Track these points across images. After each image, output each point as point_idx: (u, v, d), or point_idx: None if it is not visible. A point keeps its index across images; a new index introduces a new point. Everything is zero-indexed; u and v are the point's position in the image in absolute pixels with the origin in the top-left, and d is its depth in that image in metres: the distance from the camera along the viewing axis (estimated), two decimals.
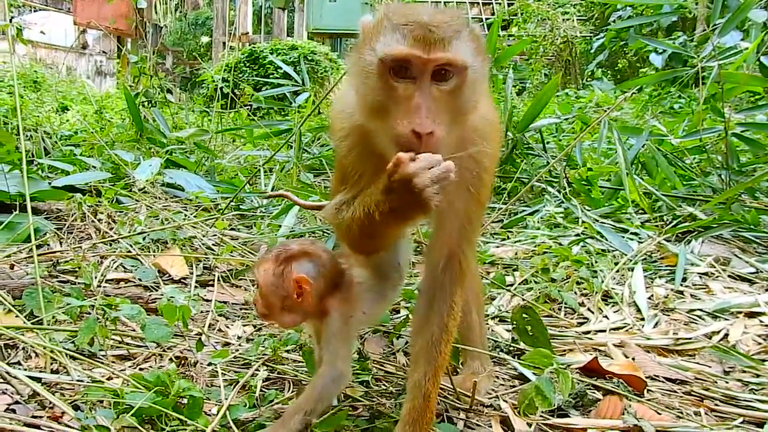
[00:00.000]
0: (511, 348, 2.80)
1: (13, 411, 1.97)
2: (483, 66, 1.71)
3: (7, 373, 2.16)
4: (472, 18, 17.21)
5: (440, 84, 1.59)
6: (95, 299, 2.52)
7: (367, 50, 1.62)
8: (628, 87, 7.01)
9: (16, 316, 2.61)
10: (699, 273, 3.70)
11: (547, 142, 6.13)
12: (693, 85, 7.19)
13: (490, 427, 2.10)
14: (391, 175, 1.53)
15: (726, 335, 2.97)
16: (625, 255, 3.85)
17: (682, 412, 2.25)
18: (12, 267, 3.25)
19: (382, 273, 2.16)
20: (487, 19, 17.29)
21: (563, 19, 15.93)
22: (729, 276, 3.69)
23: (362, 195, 1.74)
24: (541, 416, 2.13)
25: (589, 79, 15.62)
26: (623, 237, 4.18)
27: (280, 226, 4.33)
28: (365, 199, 1.70)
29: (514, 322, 2.72)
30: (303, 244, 2.11)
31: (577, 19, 16.34)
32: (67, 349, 2.38)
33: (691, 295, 3.45)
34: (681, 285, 3.55)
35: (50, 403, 2.02)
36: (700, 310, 3.26)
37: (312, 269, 2.02)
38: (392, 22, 1.58)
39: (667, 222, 4.51)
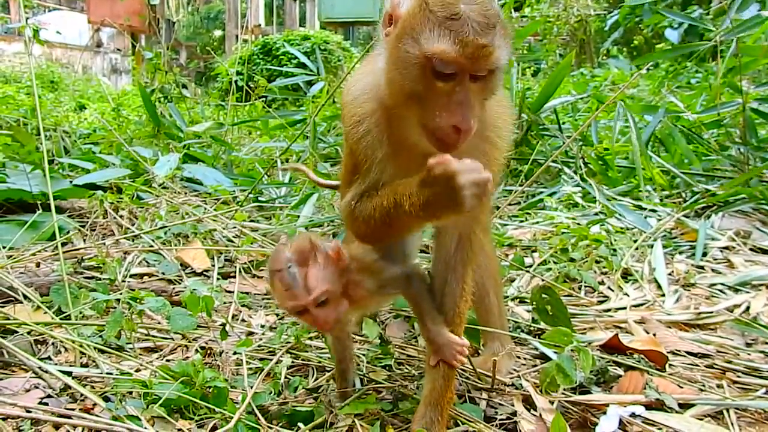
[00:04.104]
0: (532, 328, 2.81)
1: (46, 404, 2.03)
2: (509, 56, 1.67)
3: (39, 367, 2.21)
4: None
5: (476, 81, 1.58)
6: (121, 293, 2.56)
7: (408, 41, 1.55)
8: (643, 62, 6.90)
9: (45, 313, 2.67)
10: (719, 247, 3.69)
11: (563, 123, 6.09)
12: (710, 59, 7.10)
13: (513, 405, 2.11)
14: (431, 169, 1.52)
15: (747, 308, 2.96)
16: (644, 232, 3.84)
17: (704, 385, 2.25)
18: (38, 265, 3.31)
19: (391, 258, 2.15)
20: (499, 0, 17.15)
21: None
22: (750, 249, 3.68)
23: (392, 185, 1.72)
24: (563, 393, 2.14)
25: (604, 58, 15.49)
26: (642, 214, 4.16)
27: (298, 216, 4.37)
28: (397, 189, 1.67)
29: (534, 303, 2.72)
30: (301, 239, 1.98)
31: None
32: (96, 343, 2.43)
33: (712, 270, 3.44)
34: (701, 260, 3.54)
35: (81, 395, 2.07)
36: (722, 284, 3.26)
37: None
38: (437, 15, 1.52)
39: (686, 198, 4.49)
